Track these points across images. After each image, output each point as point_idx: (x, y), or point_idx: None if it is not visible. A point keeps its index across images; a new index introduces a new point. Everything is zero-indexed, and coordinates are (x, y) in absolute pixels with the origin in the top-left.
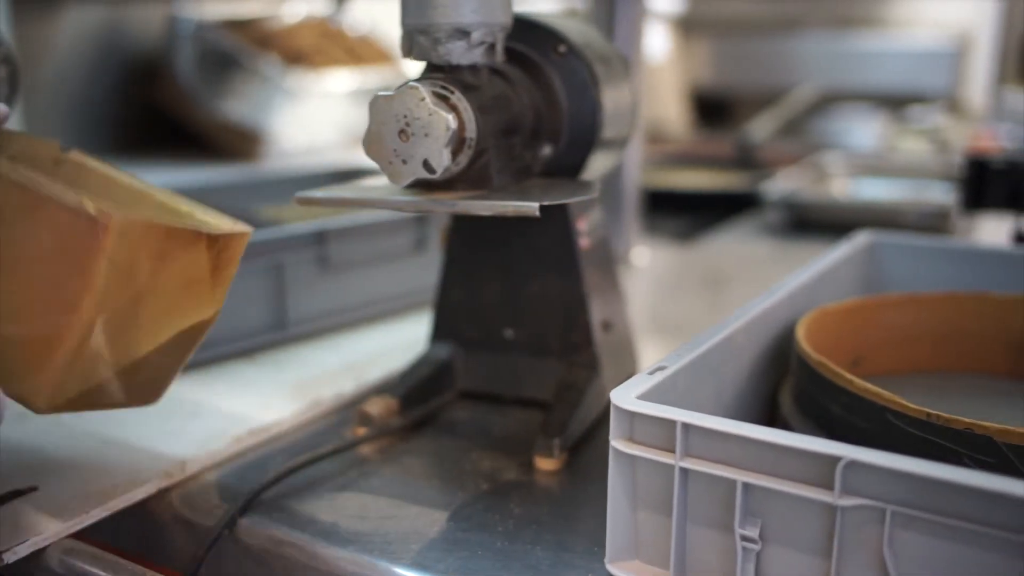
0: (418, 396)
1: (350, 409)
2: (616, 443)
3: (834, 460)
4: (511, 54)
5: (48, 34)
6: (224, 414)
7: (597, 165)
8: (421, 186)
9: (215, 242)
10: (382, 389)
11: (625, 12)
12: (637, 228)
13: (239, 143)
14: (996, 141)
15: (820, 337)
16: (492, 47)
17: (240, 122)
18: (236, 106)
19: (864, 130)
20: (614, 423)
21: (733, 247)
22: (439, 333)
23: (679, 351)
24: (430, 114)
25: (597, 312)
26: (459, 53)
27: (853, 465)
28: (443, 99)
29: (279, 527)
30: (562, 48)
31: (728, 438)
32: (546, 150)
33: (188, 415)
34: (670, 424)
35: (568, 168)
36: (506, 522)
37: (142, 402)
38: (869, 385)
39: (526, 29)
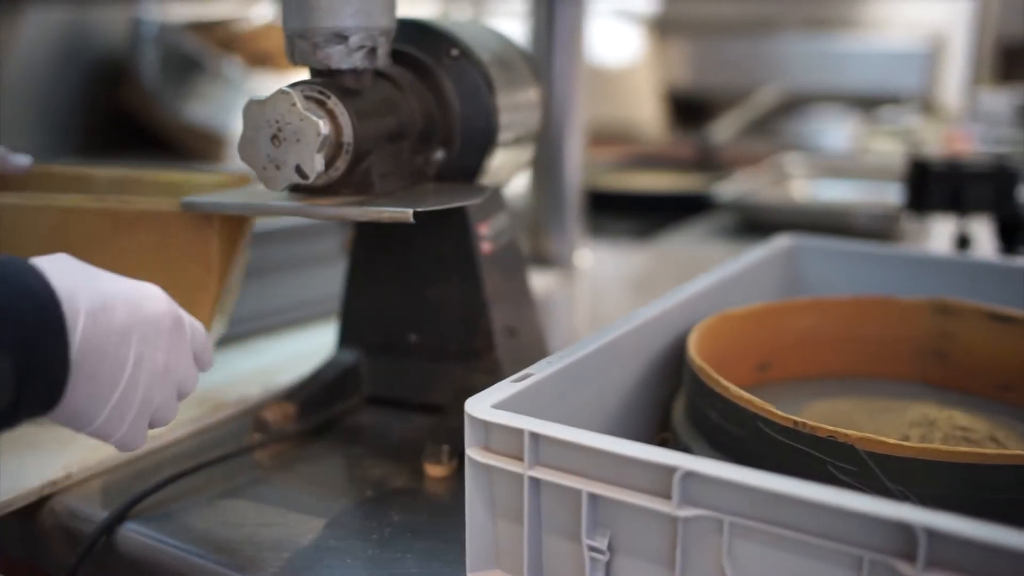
0: (318, 402)
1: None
2: (471, 452)
3: (671, 470)
4: (403, 57)
5: (9, 37)
6: None
7: (500, 168)
8: (305, 191)
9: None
10: (287, 395)
11: (564, 12)
12: (580, 230)
13: (203, 145)
14: (970, 142)
15: (723, 342)
16: (373, 51)
17: (204, 124)
18: (200, 108)
19: (837, 131)
20: (468, 432)
21: (680, 250)
22: (345, 338)
23: (551, 358)
24: (301, 119)
25: (500, 318)
26: (338, 57)
27: (690, 476)
28: (319, 104)
29: (154, 535)
30: (454, 51)
31: (574, 448)
32: (439, 154)
33: None
34: (520, 433)
35: (464, 172)
36: (382, 530)
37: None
38: (743, 392)
39: (418, 32)
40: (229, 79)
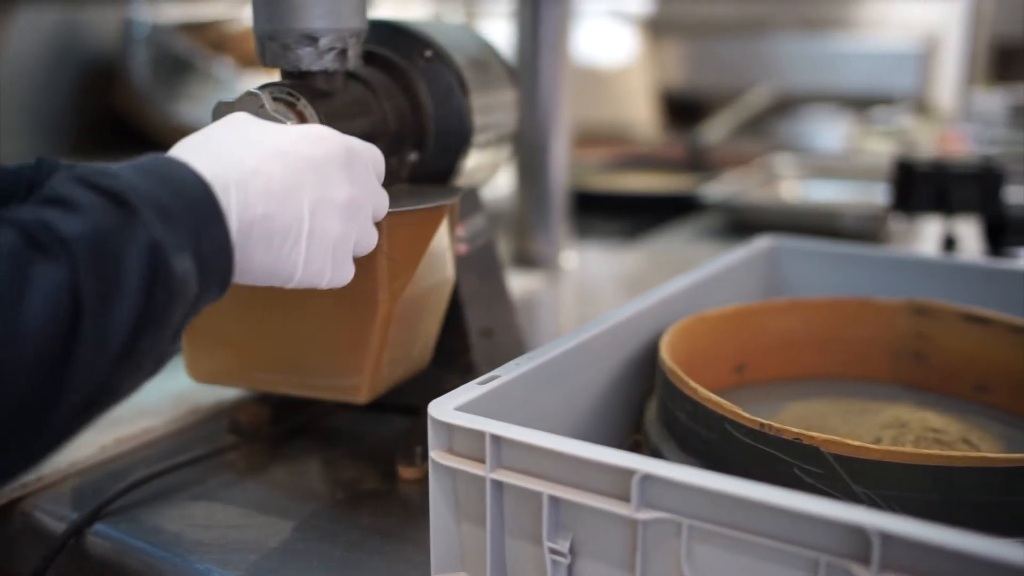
0: (294, 404)
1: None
2: (435, 454)
3: (630, 473)
4: (376, 59)
5: (1, 38)
6: (98, 422)
7: (476, 169)
8: None
9: (451, 211)
10: (263, 397)
11: (549, 13)
12: (566, 231)
13: None
14: (964, 142)
15: (699, 343)
16: (344, 53)
17: (195, 125)
18: (191, 109)
19: (831, 131)
20: (431, 434)
21: (667, 250)
22: None
23: (519, 360)
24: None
25: (476, 319)
26: (309, 59)
27: (648, 479)
28: (289, 106)
29: (123, 537)
30: (428, 53)
31: (535, 450)
32: (412, 156)
33: None
34: (481, 436)
35: (439, 173)
36: (351, 532)
37: (421, 367)
38: (711, 394)
39: (392, 34)
40: (220, 80)
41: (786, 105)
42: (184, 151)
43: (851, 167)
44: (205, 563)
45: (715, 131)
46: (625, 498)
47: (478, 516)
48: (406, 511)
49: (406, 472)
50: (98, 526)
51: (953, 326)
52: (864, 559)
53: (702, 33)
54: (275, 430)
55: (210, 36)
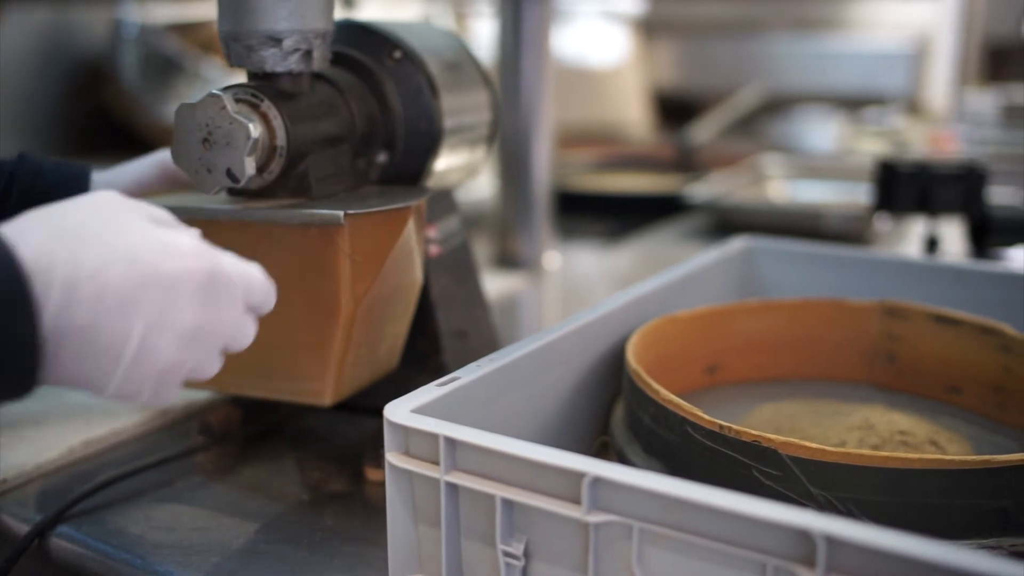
0: (265, 406)
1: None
2: (391, 457)
3: (580, 476)
4: (345, 60)
5: None
6: (68, 424)
7: (448, 170)
8: (243, 193)
9: (417, 213)
10: (234, 399)
11: (531, 13)
12: (549, 232)
13: None
14: (956, 142)
15: (669, 345)
16: (308, 54)
17: None
18: None
19: (823, 132)
20: (387, 436)
21: (651, 251)
22: None
23: (481, 362)
24: (231, 123)
25: (448, 321)
26: (273, 60)
27: (598, 481)
28: (253, 107)
29: (86, 539)
30: (397, 54)
31: (488, 453)
32: (381, 157)
33: (31, 424)
34: (436, 438)
35: (409, 174)
36: (314, 534)
37: (389, 369)
38: (672, 396)
39: (361, 35)
40: (209, 80)
41: (778, 105)
42: (27, 226)
43: (840, 167)
44: (166, 565)
45: (703, 131)
46: (577, 501)
47: (434, 519)
48: (371, 513)
49: (373, 474)
50: (61, 528)
51: (924, 327)
52: (810, 562)
53: (694, 33)
54: (245, 432)
55: (199, 36)
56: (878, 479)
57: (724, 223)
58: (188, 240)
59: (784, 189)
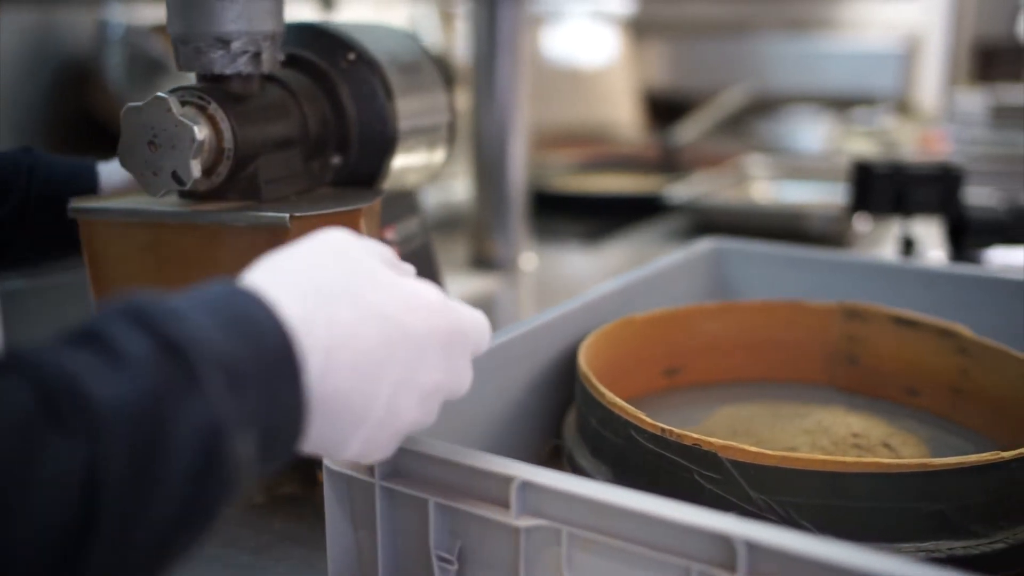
0: None
1: None
2: (328, 462)
3: (508, 480)
4: (299, 62)
5: None
6: None
7: (406, 172)
8: (193, 196)
9: (368, 215)
10: None
11: (505, 15)
12: (525, 233)
13: None
14: (946, 143)
15: (627, 347)
16: (257, 56)
17: None
18: None
19: (812, 132)
20: None
21: (629, 252)
22: None
23: None
24: (176, 125)
25: None
26: (221, 63)
27: (527, 486)
28: (200, 110)
29: None
30: (351, 56)
31: (421, 457)
32: (335, 159)
33: None
34: None
35: (364, 176)
36: (261, 537)
37: None
38: (617, 399)
39: (315, 37)
40: (194, 81)
41: (768, 105)
42: (277, 280)
43: (825, 168)
44: None
45: (688, 132)
46: (507, 505)
47: (373, 523)
48: (321, 517)
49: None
50: None
51: (884, 329)
52: (731, 567)
53: (684, 33)
54: None
55: None
56: (816, 483)
57: (704, 224)
58: (429, 292)
59: (768, 190)
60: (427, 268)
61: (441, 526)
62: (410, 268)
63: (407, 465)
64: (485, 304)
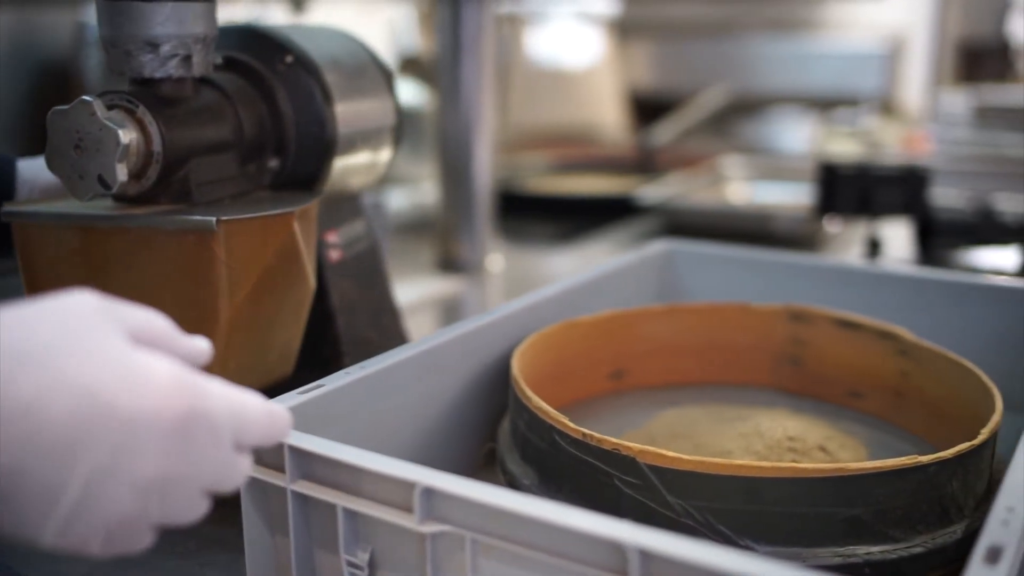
0: None
1: None
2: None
3: (411, 486)
4: (237, 65)
5: None
6: None
7: (349, 175)
8: (124, 200)
9: (304, 217)
10: None
11: (469, 16)
12: (491, 235)
13: None
14: (930, 143)
15: (569, 350)
16: (188, 59)
17: None
18: None
19: (795, 133)
20: None
21: (597, 254)
22: None
23: (351, 368)
24: (100, 129)
25: (351, 327)
26: (151, 66)
27: (429, 492)
28: (129, 113)
29: None
30: (288, 59)
31: (330, 462)
32: (273, 162)
33: None
34: (281, 447)
35: (303, 180)
36: (189, 542)
37: (283, 374)
38: (542, 403)
39: (254, 40)
40: None
41: (753, 106)
42: None
43: (802, 168)
44: (37, 573)
45: (666, 133)
46: (411, 511)
47: (287, 528)
48: None
49: None
50: None
51: (827, 332)
52: (625, 574)
53: (669, 34)
54: None
55: None
56: (732, 488)
57: (675, 226)
58: (165, 371)
59: (744, 191)
60: (372, 271)
61: (351, 532)
62: (180, 345)
63: (318, 470)
64: (451, 306)
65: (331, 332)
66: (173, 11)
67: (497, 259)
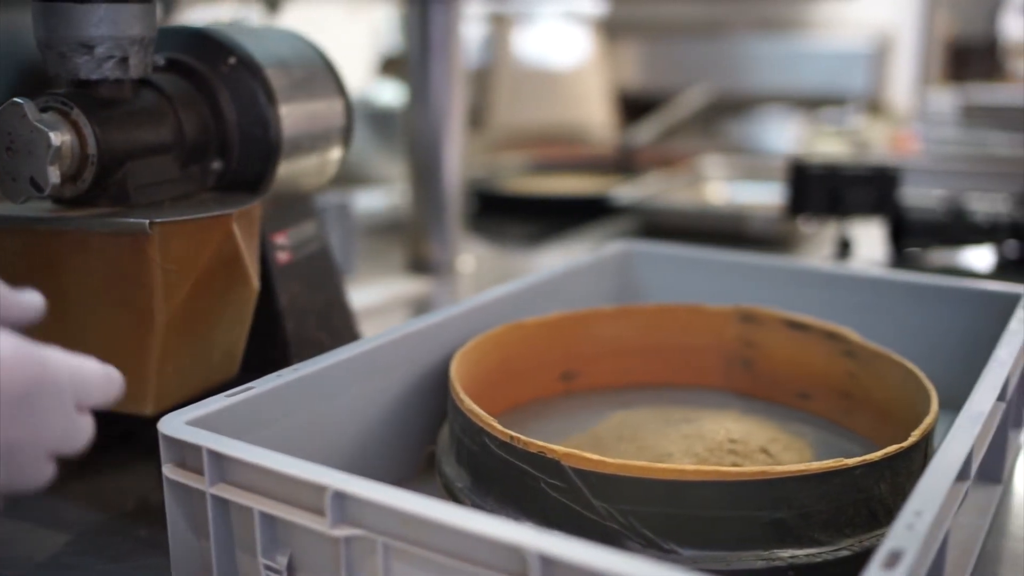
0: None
1: None
2: (166, 470)
3: (323, 489)
4: (180, 66)
5: None
6: None
7: (297, 176)
8: (64, 202)
9: (246, 219)
10: None
11: (438, 16)
12: (461, 235)
13: None
14: (917, 142)
15: (517, 351)
16: (125, 61)
17: None
18: None
19: (782, 132)
20: (162, 448)
21: (569, 254)
22: None
23: (283, 371)
24: (31, 131)
25: (300, 329)
26: (87, 68)
27: (340, 495)
28: (63, 115)
29: None
30: (231, 60)
31: (247, 466)
32: (216, 164)
33: None
34: (200, 451)
35: (248, 181)
36: (123, 545)
37: (226, 376)
38: (473, 406)
39: (197, 41)
40: None
41: (740, 105)
42: None
43: (782, 168)
44: None
45: (646, 132)
46: (324, 514)
47: (208, 532)
48: None
49: None
50: None
51: (777, 333)
52: None
53: (657, 34)
54: (98, 439)
55: None
56: (655, 491)
57: (650, 226)
58: (5, 345)
59: (724, 191)
60: (323, 273)
61: (269, 536)
62: (11, 304)
63: (236, 474)
64: (421, 307)
65: (279, 334)
66: (107, 12)
67: (467, 260)
